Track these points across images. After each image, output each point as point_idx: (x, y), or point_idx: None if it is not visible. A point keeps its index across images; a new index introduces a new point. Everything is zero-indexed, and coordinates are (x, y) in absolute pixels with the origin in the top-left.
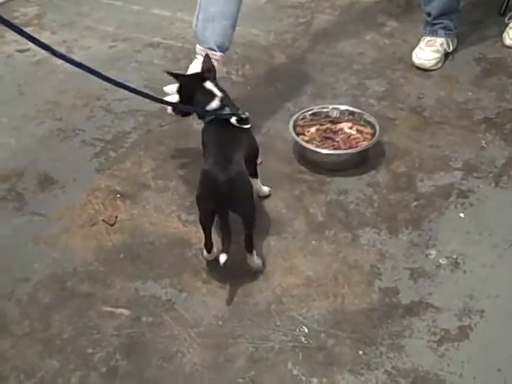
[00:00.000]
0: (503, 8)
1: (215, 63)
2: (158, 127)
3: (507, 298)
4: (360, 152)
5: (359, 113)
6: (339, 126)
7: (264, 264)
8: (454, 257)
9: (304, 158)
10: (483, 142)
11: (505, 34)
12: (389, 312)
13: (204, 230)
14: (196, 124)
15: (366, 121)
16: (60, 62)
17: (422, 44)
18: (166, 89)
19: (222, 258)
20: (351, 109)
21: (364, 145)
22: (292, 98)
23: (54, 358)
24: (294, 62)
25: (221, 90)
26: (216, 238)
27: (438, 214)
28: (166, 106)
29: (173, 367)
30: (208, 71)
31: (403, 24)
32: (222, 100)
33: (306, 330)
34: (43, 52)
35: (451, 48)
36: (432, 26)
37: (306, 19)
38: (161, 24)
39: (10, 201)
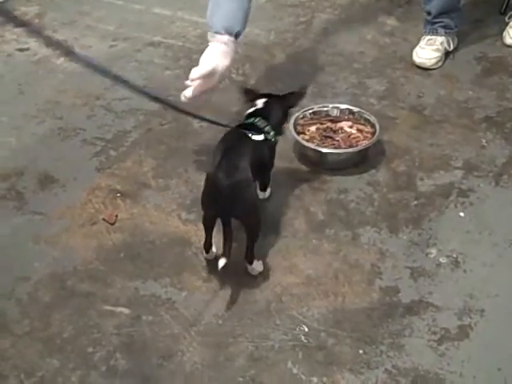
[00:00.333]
0: (503, 7)
1: (224, 47)
2: (158, 126)
3: (507, 297)
4: (360, 151)
5: (359, 112)
6: (339, 124)
7: (263, 264)
8: (454, 256)
9: (304, 156)
10: (484, 140)
11: (505, 33)
12: (389, 311)
13: (205, 230)
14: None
15: (366, 120)
16: (60, 61)
17: (422, 43)
18: (194, 74)
19: (221, 262)
20: (351, 108)
21: (364, 144)
22: None
23: (54, 357)
24: (295, 61)
25: (268, 106)
26: (216, 240)
27: (438, 213)
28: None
29: (173, 366)
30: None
31: (404, 23)
32: (257, 111)
33: (306, 329)
34: (43, 51)
35: (452, 47)
36: (432, 24)
37: (307, 18)
38: (161, 23)
39: (10, 200)
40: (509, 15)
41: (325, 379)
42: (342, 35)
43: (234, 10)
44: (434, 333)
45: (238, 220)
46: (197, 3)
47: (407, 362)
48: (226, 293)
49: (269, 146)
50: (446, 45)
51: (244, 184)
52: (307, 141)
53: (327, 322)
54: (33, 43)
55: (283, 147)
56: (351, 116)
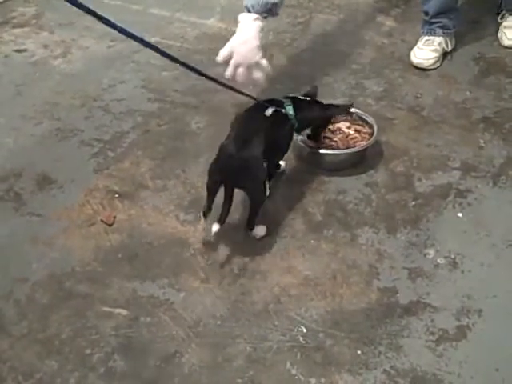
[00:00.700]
0: (500, 8)
1: (251, 21)
2: (156, 127)
3: (505, 297)
4: (358, 152)
5: (357, 112)
6: (337, 125)
7: (263, 264)
8: (452, 256)
9: (302, 157)
10: (481, 141)
11: (500, 34)
12: (387, 312)
13: (207, 194)
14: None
15: (364, 120)
16: (57, 62)
17: (420, 43)
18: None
19: (214, 227)
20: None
21: (362, 144)
22: None
23: (53, 359)
24: (293, 61)
25: (304, 100)
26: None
27: (436, 213)
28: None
29: (171, 367)
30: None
31: (402, 24)
32: (289, 97)
33: (305, 330)
34: (41, 52)
35: (449, 47)
36: (430, 25)
37: (305, 19)
38: (159, 24)
39: (7, 201)
40: (501, 15)
41: (323, 380)
42: (340, 36)
43: None
44: (432, 333)
45: (243, 190)
46: (195, 4)
47: (405, 362)
48: (224, 294)
49: (288, 126)
50: (443, 45)
51: (253, 160)
52: (303, 142)
53: (325, 322)
54: (30, 44)
55: None
56: (349, 117)
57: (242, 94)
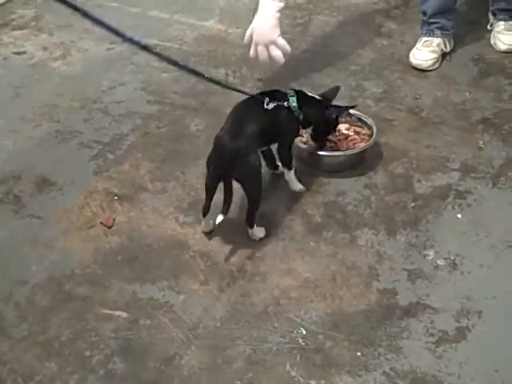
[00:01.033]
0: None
1: (269, 2)
2: (155, 129)
3: (505, 298)
4: (357, 153)
5: (357, 114)
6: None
7: (263, 265)
8: (452, 258)
9: (301, 159)
10: (481, 142)
11: (494, 41)
12: (387, 313)
13: (206, 192)
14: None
15: (363, 122)
16: (57, 64)
17: (419, 44)
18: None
19: (219, 218)
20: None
21: (361, 146)
22: None
23: (52, 361)
24: (292, 62)
25: (311, 97)
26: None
27: (436, 214)
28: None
29: (171, 369)
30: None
31: (401, 25)
32: (293, 91)
33: (304, 332)
34: (40, 54)
35: (448, 48)
36: (429, 26)
37: (304, 20)
38: (158, 26)
39: (7, 203)
40: (490, 23)
41: (323, 382)
42: (339, 37)
43: None
44: (432, 335)
45: (239, 183)
46: (194, 6)
47: (405, 364)
48: (224, 296)
49: (291, 117)
50: (442, 46)
51: (245, 150)
52: (304, 143)
53: (325, 324)
54: (30, 47)
55: None
56: (348, 118)
57: (242, 93)
